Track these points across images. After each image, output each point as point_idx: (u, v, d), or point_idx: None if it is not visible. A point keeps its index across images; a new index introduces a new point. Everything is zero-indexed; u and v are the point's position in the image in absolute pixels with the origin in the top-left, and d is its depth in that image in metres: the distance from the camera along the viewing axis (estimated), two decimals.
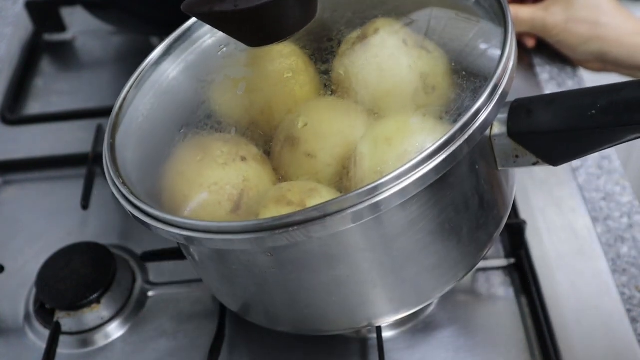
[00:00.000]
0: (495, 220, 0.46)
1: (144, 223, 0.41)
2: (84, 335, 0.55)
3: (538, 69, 0.73)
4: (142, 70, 0.50)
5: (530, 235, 0.57)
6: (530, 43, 0.73)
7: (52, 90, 0.78)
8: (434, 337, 0.52)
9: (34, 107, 0.76)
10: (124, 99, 0.48)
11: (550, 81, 0.72)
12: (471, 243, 0.44)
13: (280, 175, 0.43)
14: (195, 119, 0.46)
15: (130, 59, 0.80)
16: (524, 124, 0.41)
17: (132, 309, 0.56)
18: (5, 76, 0.78)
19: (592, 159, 0.65)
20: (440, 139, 0.37)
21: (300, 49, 0.46)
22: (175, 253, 0.57)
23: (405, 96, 0.44)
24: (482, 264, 0.55)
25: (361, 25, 0.47)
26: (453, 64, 0.45)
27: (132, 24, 0.77)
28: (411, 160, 0.36)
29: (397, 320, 0.49)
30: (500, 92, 0.40)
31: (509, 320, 0.53)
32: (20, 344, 0.55)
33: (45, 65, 0.81)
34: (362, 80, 0.44)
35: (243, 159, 0.43)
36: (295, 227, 0.36)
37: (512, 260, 0.56)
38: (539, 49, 0.74)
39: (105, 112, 0.72)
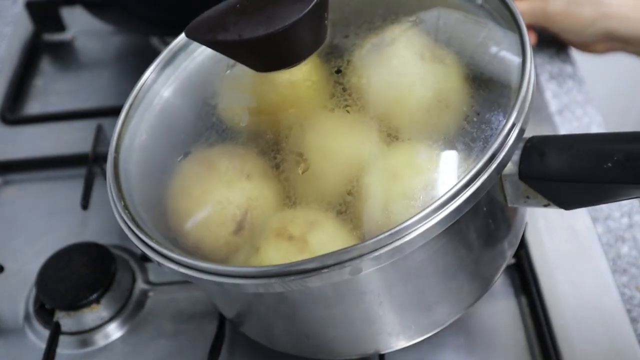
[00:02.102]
0: (505, 253, 0.45)
1: (145, 254, 0.41)
2: (84, 336, 0.55)
3: (538, 69, 0.73)
4: (144, 81, 0.49)
5: (530, 235, 0.57)
6: (531, 39, 0.73)
7: (52, 90, 0.78)
8: (433, 336, 0.52)
9: (33, 107, 0.76)
10: (128, 110, 0.47)
11: (551, 81, 0.72)
12: (479, 277, 0.44)
13: (285, 192, 0.42)
14: (202, 131, 0.45)
15: (130, 59, 0.80)
16: (535, 168, 0.39)
17: (132, 309, 0.56)
18: (5, 76, 0.78)
19: None
20: (454, 187, 0.36)
21: (311, 60, 0.44)
22: None
23: (418, 113, 0.42)
24: None
25: (375, 33, 0.45)
26: (469, 76, 0.43)
27: (132, 24, 0.77)
28: (426, 207, 0.35)
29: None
30: (517, 130, 0.38)
31: (509, 320, 0.53)
32: (20, 344, 0.55)
33: (45, 65, 0.81)
34: (373, 94, 0.43)
35: (248, 176, 0.42)
36: (292, 278, 0.35)
37: (512, 260, 0.56)
38: (540, 47, 0.74)
39: (105, 112, 0.72)
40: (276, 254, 0.38)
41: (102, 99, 0.75)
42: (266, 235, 0.40)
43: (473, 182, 0.36)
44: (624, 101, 1.13)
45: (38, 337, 0.55)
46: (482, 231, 0.42)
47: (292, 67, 0.42)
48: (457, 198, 0.36)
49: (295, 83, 0.44)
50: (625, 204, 0.60)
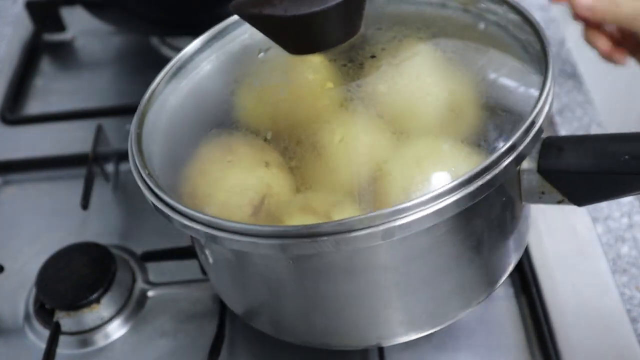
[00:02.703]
0: (513, 252, 0.46)
1: (167, 217, 0.40)
2: (84, 336, 0.55)
3: None
4: (175, 62, 0.49)
5: (531, 236, 0.57)
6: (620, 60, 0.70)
7: (52, 90, 0.78)
8: (433, 336, 0.52)
9: (33, 107, 0.76)
10: (154, 90, 0.48)
11: None
12: (488, 272, 0.45)
13: (301, 185, 0.43)
14: (225, 120, 0.46)
15: (130, 59, 0.80)
16: (554, 161, 0.41)
17: (132, 309, 0.56)
18: (5, 76, 0.78)
19: None
20: (478, 166, 0.37)
21: (330, 61, 0.45)
22: (175, 253, 0.57)
23: (434, 120, 0.43)
24: None
25: (395, 42, 0.46)
26: (484, 94, 0.44)
27: (132, 24, 0.77)
28: (448, 184, 0.37)
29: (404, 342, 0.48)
30: (538, 126, 0.40)
31: (509, 320, 0.53)
32: (20, 344, 0.55)
33: (45, 65, 0.81)
34: (390, 98, 0.44)
35: (267, 164, 0.43)
36: (325, 238, 0.36)
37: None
38: None
39: (105, 112, 0.72)
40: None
41: (102, 99, 0.75)
42: (290, 211, 0.40)
43: (492, 168, 0.38)
44: (624, 101, 1.13)
45: (38, 337, 0.55)
46: (494, 225, 0.43)
47: (324, 51, 0.43)
48: (478, 179, 0.37)
49: (313, 80, 0.45)
50: (625, 204, 0.60)
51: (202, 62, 0.51)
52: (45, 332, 0.54)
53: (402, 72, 0.45)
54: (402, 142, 0.42)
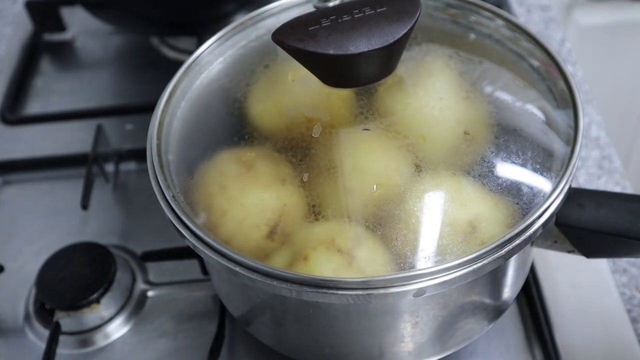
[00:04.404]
0: (519, 283, 0.48)
1: (194, 247, 0.40)
2: (84, 336, 0.55)
3: None
4: (187, 66, 0.49)
5: None
6: None
7: (52, 90, 0.78)
8: None
9: (33, 107, 0.76)
10: (169, 96, 0.47)
11: None
12: (499, 308, 0.47)
13: (312, 202, 0.42)
14: (240, 130, 0.45)
15: (130, 59, 0.80)
16: (573, 217, 0.43)
17: (132, 309, 0.56)
18: (5, 76, 0.78)
19: (593, 158, 0.65)
20: (516, 227, 0.38)
21: None
22: (175, 253, 0.57)
23: (452, 148, 0.43)
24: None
25: (416, 61, 0.46)
26: (501, 125, 0.44)
27: (132, 24, 0.77)
28: (486, 246, 0.38)
29: None
30: (568, 187, 0.41)
31: (508, 320, 0.53)
32: (20, 344, 0.55)
33: (45, 65, 0.81)
34: (406, 119, 0.44)
35: (283, 182, 0.42)
36: (359, 292, 0.37)
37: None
38: None
39: (105, 112, 0.72)
40: (327, 266, 0.39)
41: (102, 99, 0.75)
42: (313, 244, 0.40)
43: (528, 228, 0.39)
44: (624, 101, 1.13)
45: (38, 337, 0.55)
46: (508, 269, 0.44)
47: (363, 86, 0.43)
48: (511, 242, 0.38)
49: (331, 97, 0.45)
50: None
51: (212, 67, 0.50)
52: (45, 332, 0.54)
53: (422, 94, 0.45)
54: (423, 173, 0.42)
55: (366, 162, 0.42)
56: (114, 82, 0.78)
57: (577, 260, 0.56)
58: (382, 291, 0.37)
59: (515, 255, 0.40)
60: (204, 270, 0.57)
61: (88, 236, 0.61)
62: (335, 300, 0.38)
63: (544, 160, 0.43)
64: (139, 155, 0.68)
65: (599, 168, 0.64)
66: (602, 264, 0.56)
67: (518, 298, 0.54)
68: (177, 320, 0.55)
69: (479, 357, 0.51)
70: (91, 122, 0.70)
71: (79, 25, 0.84)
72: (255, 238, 0.41)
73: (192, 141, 0.46)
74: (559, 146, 0.43)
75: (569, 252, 0.45)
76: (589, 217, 0.42)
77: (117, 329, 0.55)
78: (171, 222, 0.41)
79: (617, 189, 0.62)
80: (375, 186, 0.41)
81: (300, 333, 0.45)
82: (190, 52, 0.51)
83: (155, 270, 0.59)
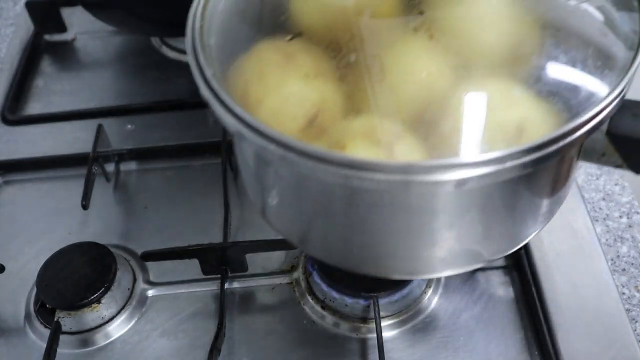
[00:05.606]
0: (544, 216, 0.45)
1: (235, 128, 0.37)
2: (85, 335, 0.55)
3: None
4: None
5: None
6: None
7: (52, 91, 0.78)
8: (433, 336, 0.53)
9: (34, 107, 0.76)
10: None
11: None
12: (524, 226, 0.44)
13: (355, 103, 0.40)
14: (283, 21, 0.43)
15: (130, 59, 0.81)
16: (626, 126, 0.40)
17: (133, 308, 0.56)
18: (5, 76, 0.78)
19: None
20: (564, 127, 0.35)
21: None
22: (175, 253, 0.57)
23: (500, 57, 0.41)
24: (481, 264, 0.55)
25: None
26: (555, 26, 0.42)
27: (133, 24, 0.77)
28: (532, 142, 0.35)
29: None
30: (624, 94, 0.38)
31: (508, 320, 0.53)
32: (20, 343, 0.55)
33: (46, 66, 0.81)
34: (454, 18, 0.41)
35: (324, 75, 0.40)
36: (397, 176, 0.34)
37: (512, 260, 0.56)
38: None
39: (105, 112, 0.72)
40: (365, 155, 0.37)
41: (102, 99, 0.75)
42: (351, 136, 0.38)
43: (576, 130, 0.36)
44: None
45: (39, 336, 0.55)
46: (544, 180, 0.42)
47: None
48: (561, 141, 0.35)
49: None
50: (625, 204, 0.60)
51: None
52: (46, 332, 0.55)
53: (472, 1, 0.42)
54: (470, 74, 0.40)
55: (411, 60, 0.40)
56: (115, 83, 0.78)
57: (576, 260, 0.56)
58: (422, 177, 0.34)
59: (561, 160, 0.37)
60: (204, 270, 0.57)
61: (88, 236, 0.61)
62: (372, 186, 0.35)
63: (601, 65, 0.40)
64: (140, 155, 0.68)
65: (598, 168, 0.64)
66: (601, 264, 0.56)
67: (517, 298, 0.54)
68: (178, 320, 0.56)
69: (478, 356, 0.51)
70: (92, 122, 0.70)
71: (80, 25, 0.84)
72: (291, 129, 0.39)
73: (232, 29, 0.44)
74: (618, 50, 0.40)
75: (617, 166, 0.42)
76: None
77: (118, 328, 0.55)
78: (208, 102, 0.38)
79: (617, 189, 0.62)
80: (418, 84, 0.39)
81: (329, 229, 0.43)
82: None
83: (155, 270, 0.59)
